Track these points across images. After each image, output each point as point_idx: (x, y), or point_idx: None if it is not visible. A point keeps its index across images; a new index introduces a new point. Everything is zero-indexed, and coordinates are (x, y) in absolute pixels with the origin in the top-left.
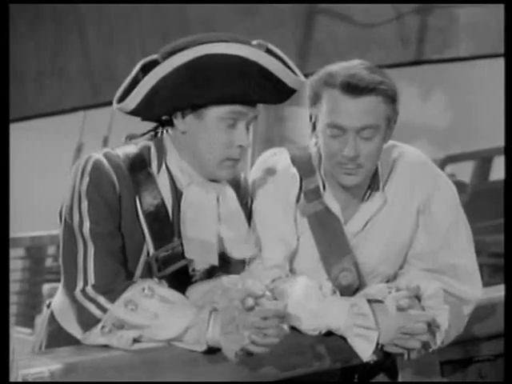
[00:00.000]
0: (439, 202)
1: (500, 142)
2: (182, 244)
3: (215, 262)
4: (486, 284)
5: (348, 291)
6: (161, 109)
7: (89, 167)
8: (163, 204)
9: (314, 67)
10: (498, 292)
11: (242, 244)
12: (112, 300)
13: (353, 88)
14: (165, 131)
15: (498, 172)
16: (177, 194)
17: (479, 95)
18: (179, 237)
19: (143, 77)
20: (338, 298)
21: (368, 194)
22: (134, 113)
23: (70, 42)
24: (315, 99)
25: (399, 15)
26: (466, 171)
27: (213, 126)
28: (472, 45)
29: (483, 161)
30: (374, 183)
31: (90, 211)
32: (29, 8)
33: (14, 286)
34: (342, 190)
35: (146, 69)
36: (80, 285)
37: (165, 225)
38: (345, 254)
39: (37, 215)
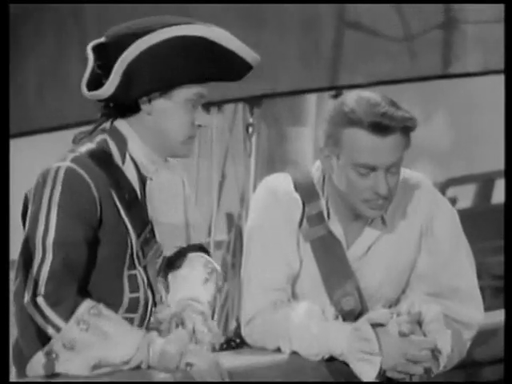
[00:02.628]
0: (440, 225)
1: (502, 164)
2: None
3: (183, 243)
4: (488, 306)
5: (350, 316)
6: (136, 91)
7: (60, 176)
8: (134, 192)
9: (320, 79)
10: (500, 317)
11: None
12: (60, 314)
13: (383, 128)
14: (119, 120)
15: (500, 194)
16: (142, 180)
17: (482, 117)
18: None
19: (97, 59)
20: (340, 323)
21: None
22: (109, 99)
23: (71, 54)
24: (336, 138)
25: (406, 28)
26: (468, 194)
27: (181, 107)
28: (480, 59)
29: (485, 183)
30: None
31: (59, 221)
32: (30, 20)
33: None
34: (346, 215)
35: (98, 51)
36: (29, 294)
37: (139, 212)
38: (347, 278)
39: None
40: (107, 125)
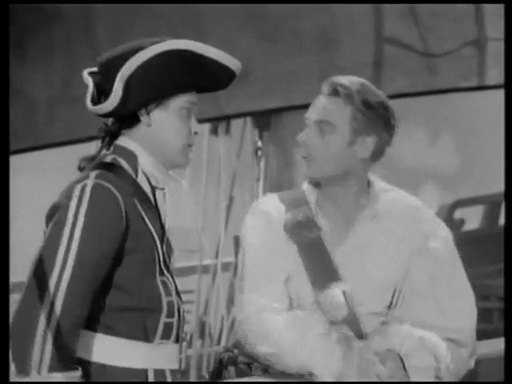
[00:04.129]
0: (434, 244)
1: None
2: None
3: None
4: (495, 328)
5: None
6: (135, 103)
7: (87, 192)
8: (151, 203)
9: None
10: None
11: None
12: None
13: (326, 87)
14: (121, 138)
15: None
16: (152, 191)
17: (489, 139)
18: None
19: (96, 82)
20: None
21: (356, 223)
22: (111, 113)
23: (82, 68)
24: None
25: (426, 44)
26: (475, 216)
27: (176, 116)
28: (499, 73)
29: (492, 205)
30: (360, 211)
31: (83, 237)
32: (39, 36)
33: None
34: (333, 218)
35: (94, 76)
36: (42, 318)
37: (157, 220)
38: (333, 280)
39: None
40: (109, 147)
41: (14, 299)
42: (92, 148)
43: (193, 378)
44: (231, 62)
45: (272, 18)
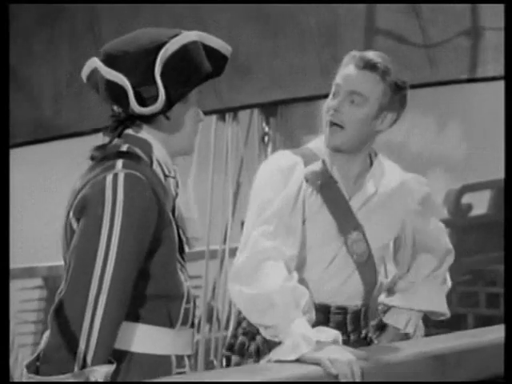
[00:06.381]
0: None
1: None
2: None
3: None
4: (503, 313)
5: (362, 257)
6: (172, 100)
7: (121, 183)
8: (166, 191)
9: None
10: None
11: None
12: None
13: (360, 61)
14: (133, 127)
15: None
16: (164, 179)
17: (496, 124)
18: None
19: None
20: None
21: (366, 181)
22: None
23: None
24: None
25: (426, 35)
26: (483, 201)
27: (193, 107)
28: (500, 65)
29: (500, 190)
30: (367, 171)
31: (123, 227)
32: (45, 29)
33: (30, 316)
34: (344, 175)
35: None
36: (88, 313)
37: (171, 209)
38: (355, 228)
39: (54, 244)
40: (119, 137)
41: (15, 286)
42: (97, 141)
43: (201, 362)
44: (226, 49)
45: (274, 15)
